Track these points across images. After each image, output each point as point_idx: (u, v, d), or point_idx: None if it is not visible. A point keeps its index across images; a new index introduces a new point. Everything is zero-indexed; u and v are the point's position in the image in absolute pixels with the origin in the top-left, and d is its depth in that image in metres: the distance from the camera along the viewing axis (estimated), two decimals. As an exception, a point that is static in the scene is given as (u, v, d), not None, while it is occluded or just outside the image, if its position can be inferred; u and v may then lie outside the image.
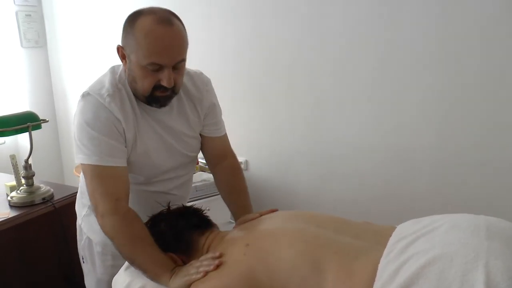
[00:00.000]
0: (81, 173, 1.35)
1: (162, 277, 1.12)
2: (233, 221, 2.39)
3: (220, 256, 1.09)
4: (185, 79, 1.32)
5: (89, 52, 3.29)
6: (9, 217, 1.72)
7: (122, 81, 1.24)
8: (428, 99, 2.02)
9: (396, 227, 1.04)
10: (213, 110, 1.43)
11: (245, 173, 2.69)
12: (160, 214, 1.30)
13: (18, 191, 1.87)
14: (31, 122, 1.83)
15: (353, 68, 2.19)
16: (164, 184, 1.37)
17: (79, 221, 1.50)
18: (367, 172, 2.26)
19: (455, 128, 1.97)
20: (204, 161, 2.50)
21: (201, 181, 2.38)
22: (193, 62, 2.82)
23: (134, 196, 1.26)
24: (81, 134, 1.18)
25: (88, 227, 1.45)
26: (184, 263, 1.19)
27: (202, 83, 1.39)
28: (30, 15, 3.36)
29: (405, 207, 2.15)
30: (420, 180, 2.10)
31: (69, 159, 3.67)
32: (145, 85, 1.17)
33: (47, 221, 1.83)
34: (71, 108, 3.54)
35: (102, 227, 1.18)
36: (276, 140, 2.57)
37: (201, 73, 1.44)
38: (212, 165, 1.48)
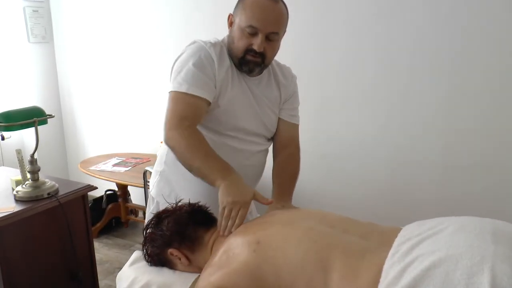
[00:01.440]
0: (163, 143, 1.42)
1: (216, 183, 1.22)
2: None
3: (271, 202, 1.26)
4: (276, 67, 1.52)
5: (95, 48, 3.30)
6: (15, 211, 1.72)
7: (224, 42, 1.42)
8: (433, 101, 2.01)
9: (401, 228, 1.04)
10: (294, 97, 1.58)
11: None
12: (165, 210, 1.30)
13: (24, 186, 1.87)
14: (37, 117, 1.83)
15: (358, 69, 2.19)
16: (238, 142, 1.45)
17: (150, 192, 1.60)
18: (371, 172, 2.26)
19: (460, 130, 1.96)
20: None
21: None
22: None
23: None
24: (180, 67, 1.34)
25: (157, 192, 1.54)
26: (189, 259, 1.20)
27: (290, 74, 1.58)
28: (37, 11, 3.37)
29: (409, 208, 2.15)
30: (425, 181, 2.10)
31: (74, 154, 3.69)
32: (239, 45, 1.34)
33: (52, 216, 1.83)
34: (77, 103, 3.56)
35: (166, 141, 1.31)
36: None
37: (290, 68, 1.60)
38: (278, 150, 1.57)
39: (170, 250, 1.20)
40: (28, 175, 1.89)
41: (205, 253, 1.18)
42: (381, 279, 0.87)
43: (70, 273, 1.92)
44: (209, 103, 1.35)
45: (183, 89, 1.32)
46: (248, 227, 1.20)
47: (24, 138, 3.32)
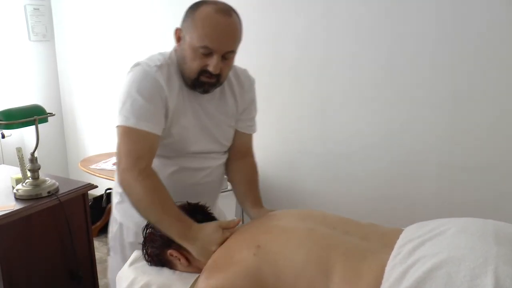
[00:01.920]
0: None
1: (176, 240, 1.16)
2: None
3: (237, 223, 1.15)
4: (230, 76, 1.38)
5: (96, 46, 3.29)
6: (15, 209, 1.72)
7: (172, 59, 1.30)
8: (434, 101, 2.00)
9: (402, 230, 1.04)
10: (251, 106, 1.48)
11: (250, 171, 2.71)
12: None
13: (24, 184, 1.87)
14: (38, 116, 1.83)
15: (360, 69, 2.18)
16: (196, 162, 1.39)
17: (113, 210, 1.52)
18: (373, 172, 2.25)
19: (462, 130, 1.96)
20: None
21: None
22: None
23: (162, 170, 1.30)
24: (126, 96, 1.24)
25: (122, 213, 1.46)
26: (188, 260, 1.19)
27: (247, 80, 1.45)
28: (38, 9, 3.37)
29: (410, 208, 2.15)
30: (426, 182, 2.09)
31: (74, 153, 3.68)
32: (193, 66, 1.23)
33: (52, 215, 1.83)
34: (77, 102, 3.55)
35: (120, 182, 1.23)
36: (282, 139, 2.57)
37: (247, 71, 1.49)
38: (233, 159, 1.49)
39: (169, 251, 1.19)
40: (29, 174, 1.89)
41: None
42: (383, 281, 0.87)
43: (70, 272, 1.91)
44: (159, 136, 1.26)
45: (131, 123, 1.21)
46: (248, 229, 1.19)
47: (25, 136, 3.32)
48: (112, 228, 1.51)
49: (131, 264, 1.23)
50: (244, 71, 1.48)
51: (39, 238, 1.81)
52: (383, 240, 1.00)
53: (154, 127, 1.23)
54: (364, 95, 2.20)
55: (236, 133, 1.46)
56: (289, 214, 1.20)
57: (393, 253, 0.91)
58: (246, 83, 1.44)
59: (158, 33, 2.86)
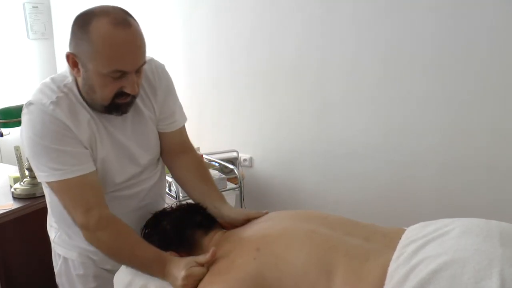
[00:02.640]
0: (45, 194, 1.30)
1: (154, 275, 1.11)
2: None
3: (212, 256, 1.06)
4: None
5: (96, 45, 3.28)
6: (12, 208, 1.71)
7: (69, 85, 1.12)
8: (434, 101, 1.99)
9: (405, 230, 1.02)
10: (169, 100, 1.29)
11: (250, 170, 2.70)
12: (163, 211, 1.27)
13: (22, 183, 1.86)
14: (36, 114, 1.81)
15: (359, 68, 2.17)
16: (128, 189, 1.26)
17: (52, 246, 1.36)
18: (372, 172, 2.24)
19: (461, 130, 1.95)
20: (208, 157, 2.49)
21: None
22: (199, 59, 2.83)
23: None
24: (35, 149, 1.08)
25: (63, 246, 1.31)
26: None
27: (154, 72, 1.26)
28: (37, 7, 3.35)
29: (410, 208, 2.13)
30: (425, 182, 2.08)
31: (73, 152, 3.67)
32: (105, 93, 1.07)
33: (49, 214, 1.82)
34: (77, 101, 3.53)
35: (85, 239, 1.13)
36: (281, 138, 2.55)
37: (152, 60, 1.29)
38: (172, 158, 1.35)
39: (168, 253, 1.17)
40: (26, 172, 1.87)
41: None
42: (386, 282, 0.85)
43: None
44: (96, 170, 1.13)
45: (59, 175, 1.07)
46: (247, 232, 1.16)
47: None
48: (56, 263, 1.36)
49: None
50: (150, 60, 1.25)
51: (37, 236, 1.79)
52: (385, 240, 0.99)
53: (84, 167, 1.10)
54: (364, 94, 2.19)
55: (161, 134, 1.30)
56: (289, 216, 1.17)
57: (396, 253, 0.90)
58: (155, 77, 1.25)
59: (157, 31, 2.85)
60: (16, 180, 1.91)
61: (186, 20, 2.75)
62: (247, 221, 1.22)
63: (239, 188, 2.35)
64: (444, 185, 2.03)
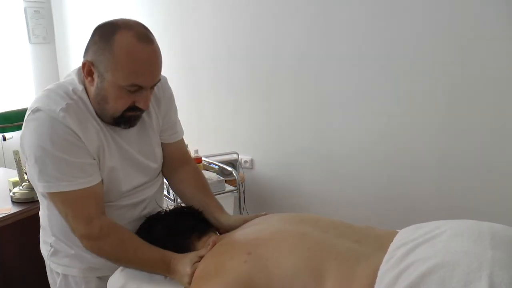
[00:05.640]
0: (42, 208, 1.28)
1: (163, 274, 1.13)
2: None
3: (213, 246, 1.10)
4: None
5: (97, 48, 3.29)
6: (11, 213, 1.71)
7: (79, 93, 1.11)
8: (432, 101, 1.98)
9: (397, 232, 1.01)
10: (170, 111, 1.32)
11: (250, 172, 2.70)
12: (158, 215, 1.27)
13: (21, 187, 1.87)
14: (34, 118, 1.82)
15: (358, 69, 2.17)
16: (131, 198, 1.26)
17: (47, 263, 1.33)
18: (372, 173, 2.23)
19: (459, 130, 1.94)
20: (207, 160, 2.49)
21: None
22: (199, 61, 2.83)
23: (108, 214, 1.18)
24: (41, 157, 1.05)
25: (62, 264, 1.29)
26: None
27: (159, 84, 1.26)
28: (38, 12, 3.37)
29: (409, 209, 2.13)
30: (424, 182, 2.07)
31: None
32: (118, 106, 1.08)
33: (48, 218, 1.82)
34: (78, 104, 3.55)
35: (86, 248, 1.13)
36: (281, 139, 2.55)
37: None
38: (171, 170, 1.37)
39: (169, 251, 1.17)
40: (25, 177, 1.88)
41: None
42: (375, 285, 0.85)
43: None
44: (101, 182, 1.13)
45: (64, 187, 1.06)
46: (238, 235, 1.16)
47: (26, 138, 3.32)
48: (54, 281, 1.33)
49: (122, 269, 1.21)
50: None
51: (35, 241, 1.80)
52: (376, 243, 0.98)
53: (90, 180, 1.09)
54: (364, 97, 2.18)
55: (164, 146, 1.32)
56: (281, 219, 1.16)
57: (386, 256, 0.89)
58: (159, 88, 1.26)
59: (157, 33, 2.85)
60: (15, 184, 1.92)
61: (185, 22, 2.76)
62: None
63: (238, 191, 2.34)
64: (444, 185, 2.02)
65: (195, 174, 1.38)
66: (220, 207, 1.32)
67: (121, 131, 1.18)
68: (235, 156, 2.60)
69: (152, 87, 1.10)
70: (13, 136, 3.22)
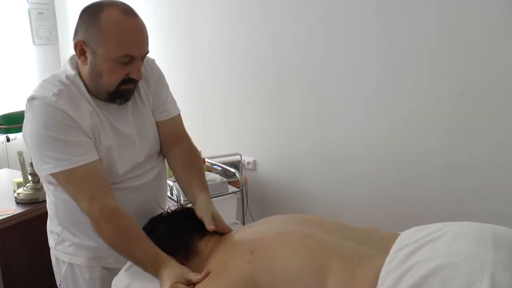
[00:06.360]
0: (48, 196, 1.30)
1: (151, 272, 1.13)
2: (239, 222, 2.39)
3: (204, 277, 1.06)
4: None
5: (100, 50, 3.30)
6: (15, 213, 1.72)
7: (72, 78, 1.16)
8: (438, 102, 1.98)
9: (400, 234, 1.02)
10: (161, 88, 1.35)
11: (253, 173, 2.71)
12: (160, 216, 1.28)
13: (25, 188, 1.87)
14: (38, 120, 1.83)
15: (362, 71, 2.17)
16: (136, 181, 1.29)
17: (53, 253, 1.37)
18: (375, 174, 2.23)
19: (464, 132, 1.93)
20: (210, 161, 2.49)
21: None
22: (203, 62, 2.84)
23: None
24: (40, 141, 1.12)
25: (68, 252, 1.31)
26: (184, 265, 1.17)
27: (147, 60, 1.31)
28: (42, 13, 3.39)
29: (414, 211, 2.12)
30: (428, 184, 2.07)
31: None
32: (112, 79, 1.13)
33: (52, 218, 1.83)
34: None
35: (92, 228, 1.16)
36: (284, 141, 2.55)
37: None
38: (166, 149, 1.38)
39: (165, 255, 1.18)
40: (29, 177, 1.89)
41: (200, 261, 1.15)
42: (378, 286, 0.85)
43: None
44: (99, 159, 1.16)
45: (65, 165, 1.10)
46: (242, 234, 1.17)
47: (29, 139, 3.34)
48: (59, 269, 1.36)
49: (127, 269, 1.22)
50: None
51: (39, 241, 1.81)
52: (379, 244, 0.98)
53: (89, 156, 1.14)
54: (367, 97, 2.18)
55: (157, 124, 1.35)
56: (285, 219, 1.17)
57: (388, 258, 0.89)
58: (147, 69, 1.31)
59: (159, 35, 2.86)
60: (19, 185, 1.93)
61: (190, 23, 2.77)
62: (213, 219, 1.22)
63: (241, 192, 2.35)
64: (449, 187, 2.02)
65: (186, 151, 1.39)
66: (202, 185, 1.32)
67: (115, 112, 1.22)
68: (238, 157, 2.61)
69: (142, 58, 1.15)
70: (17, 137, 3.25)
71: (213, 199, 2.01)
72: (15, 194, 1.86)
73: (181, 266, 1.12)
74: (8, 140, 2.01)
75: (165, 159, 1.42)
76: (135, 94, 1.25)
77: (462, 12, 1.84)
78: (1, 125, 1.76)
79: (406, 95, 2.06)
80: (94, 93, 1.18)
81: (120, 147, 1.23)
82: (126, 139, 1.24)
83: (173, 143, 1.38)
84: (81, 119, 1.14)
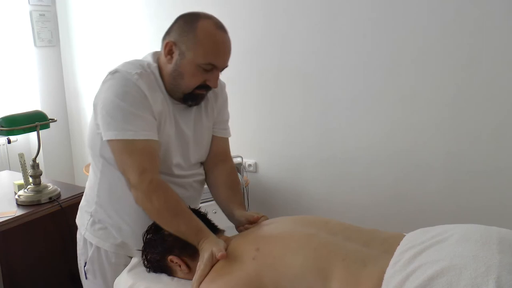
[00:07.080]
0: (94, 173, 1.35)
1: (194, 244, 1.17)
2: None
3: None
4: None
5: (102, 52, 3.30)
6: (16, 215, 1.72)
7: (152, 68, 1.26)
8: (439, 103, 1.98)
9: (404, 235, 1.01)
10: (224, 109, 1.48)
11: (254, 175, 2.70)
12: None
13: (26, 190, 1.87)
14: (39, 122, 1.83)
15: (364, 72, 2.17)
16: (180, 177, 1.35)
17: (82, 232, 1.41)
18: (378, 176, 2.22)
19: (466, 132, 1.93)
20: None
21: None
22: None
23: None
24: (111, 109, 1.19)
25: (97, 236, 1.36)
26: (189, 267, 1.17)
27: (220, 81, 1.43)
28: (44, 15, 3.39)
29: (416, 211, 2.12)
30: (431, 184, 2.07)
31: (80, 158, 3.69)
32: (192, 82, 1.23)
33: (53, 220, 1.83)
34: (83, 107, 3.56)
35: (135, 200, 1.21)
36: (285, 143, 2.55)
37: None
38: (212, 165, 1.46)
39: (170, 257, 1.18)
40: (30, 179, 1.89)
41: None
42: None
43: (72, 277, 1.91)
44: (158, 141, 1.23)
45: (129, 135, 1.18)
46: (248, 234, 1.18)
47: (31, 141, 3.33)
48: (87, 251, 1.40)
49: (130, 270, 1.22)
50: None
51: (41, 243, 1.81)
52: (384, 246, 0.98)
53: (152, 134, 1.21)
54: (369, 100, 2.18)
55: (213, 138, 1.45)
56: (291, 220, 1.19)
57: (393, 260, 0.89)
58: (218, 87, 1.41)
59: (161, 36, 2.86)
60: (20, 187, 1.93)
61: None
62: (249, 222, 1.29)
63: (243, 194, 2.34)
64: (451, 187, 2.02)
65: (229, 170, 1.48)
66: (241, 202, 1.40)
67: (181, 111, 1.31)
68: (239, 159, 2.60)
69: (221, 70, 1.27)
70: (18, 139, 3.25)
71: (214, 202, 2.02)
72: (16, 196, 1.86)
73: (220, 240, 1.16)
74: (9, 142, 2.00)
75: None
76: (202, 103, 1.36)
77: (464, 12, 1.84)
78: (2, 127, 1.75)
79: (407, 96, 2.06)
80: (169, 91, 1.27)
81: (177, 140, 1.31)
82: (183, 137, 1.33)
83: (219, 161, 1.46)
84: (154, 102, 1.22)
